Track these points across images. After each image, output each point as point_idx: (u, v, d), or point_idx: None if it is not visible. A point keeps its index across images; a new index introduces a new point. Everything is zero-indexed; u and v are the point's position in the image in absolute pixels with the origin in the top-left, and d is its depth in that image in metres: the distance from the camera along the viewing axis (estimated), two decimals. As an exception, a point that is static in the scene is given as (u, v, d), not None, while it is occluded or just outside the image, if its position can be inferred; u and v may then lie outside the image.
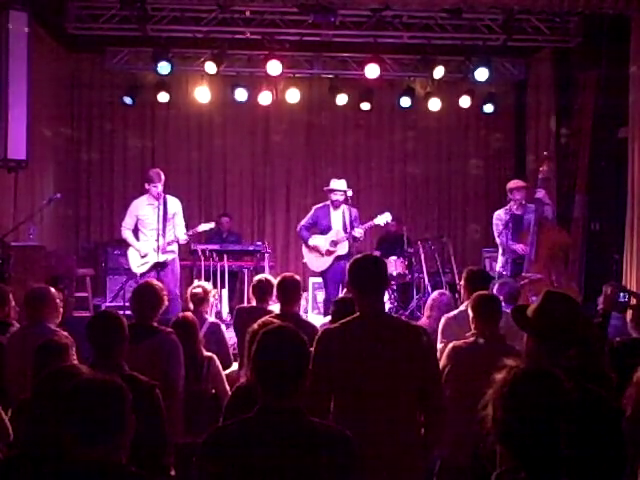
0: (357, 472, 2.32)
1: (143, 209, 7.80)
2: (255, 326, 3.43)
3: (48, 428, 2.37)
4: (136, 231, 7.86)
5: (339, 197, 8.00)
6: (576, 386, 2.51)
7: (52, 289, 4.75)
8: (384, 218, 8.06)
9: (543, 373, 2.03)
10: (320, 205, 8.26)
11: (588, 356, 3.31)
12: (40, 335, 4.31)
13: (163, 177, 7.78)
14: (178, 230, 7.84)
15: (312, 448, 2.26)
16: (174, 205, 7.88)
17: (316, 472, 2.26)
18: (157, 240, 7.57)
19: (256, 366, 2.38)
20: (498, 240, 7.34)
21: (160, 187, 7.70)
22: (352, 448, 2.33)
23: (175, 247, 7.90)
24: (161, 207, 7.69)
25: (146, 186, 7.79)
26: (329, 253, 7.97)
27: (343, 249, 7.95)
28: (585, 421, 2.41)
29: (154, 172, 7.83)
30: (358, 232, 7.84)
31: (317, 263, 8.11)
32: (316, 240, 8.05)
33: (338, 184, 8.07)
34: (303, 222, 8.26)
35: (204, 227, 8.24)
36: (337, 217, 8.08)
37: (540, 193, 7.05)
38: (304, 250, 8.21)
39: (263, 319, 3.68)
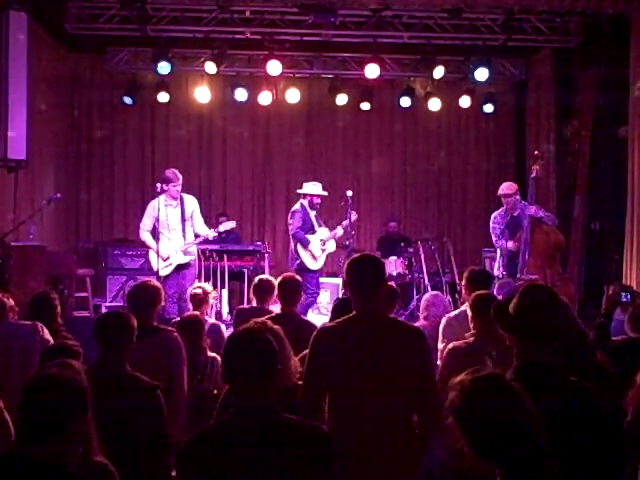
0: (332, 467, 2.35)
1: (162, 210, 7.59)
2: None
3: None
4: (154, 232, 7.64)
5: (319, 200, 8.43)
6: (561, 382, 2.53)
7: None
8: (229, 225, 8.35)
9: (488, 382, 2.01)
10: (298, 207, 8.31)
11: (578, 352, 3.31)
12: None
13: (180, 176, 7.73)
14: (198, 227, 7.78)
15: (288, 444, 2.30)
16: (191, 203, 7.82)
17: (293, 468, 2.28)
18: (184, 237, 7.59)
19: (224, 368, 2.48)
20: (497, 244, 7.33)
21: (179, 187, 7.66)
22: (328, 443, 2.37)
23: (194, 248, 7.84)
24: (178, 207, 7.66)
25: (164, 187, 7.61)
26: (322, 251, 8.36)
27: (331, 246, 8.47)
28: (570, 416, 2.42)
29: (171, 172, 7.71)
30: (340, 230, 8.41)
31: (313, 262, 8.27)
32: (312, 244, 8.21)
33: (318, 189, 8.39)
34: (298, 225, 8.22)
35: (225, 226, 8.16)
36: (314, 217, 8.43)
37: (531, 210, 6.95)
38: (300, 250, 8.22)
39: (254, 320, 3.65)
